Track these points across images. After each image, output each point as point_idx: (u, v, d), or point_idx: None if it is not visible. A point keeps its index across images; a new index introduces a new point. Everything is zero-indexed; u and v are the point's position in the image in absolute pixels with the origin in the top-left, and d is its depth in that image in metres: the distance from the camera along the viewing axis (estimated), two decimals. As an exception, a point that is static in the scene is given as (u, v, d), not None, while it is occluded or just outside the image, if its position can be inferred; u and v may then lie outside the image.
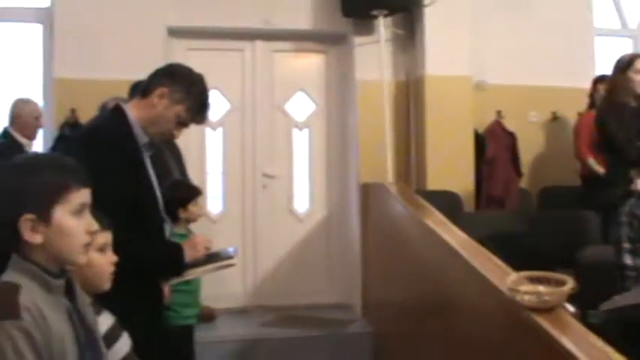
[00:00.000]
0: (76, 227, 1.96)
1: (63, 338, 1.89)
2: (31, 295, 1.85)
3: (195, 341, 4.50)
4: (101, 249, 2.40)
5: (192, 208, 4.31)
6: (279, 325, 6.17)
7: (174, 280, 3.10)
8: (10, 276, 1.91)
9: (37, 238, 1.90)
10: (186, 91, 3.00)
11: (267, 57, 6.92)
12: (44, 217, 1.90)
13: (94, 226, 2.02)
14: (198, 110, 3.07)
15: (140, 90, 3.10)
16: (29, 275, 1.91)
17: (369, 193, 6.33)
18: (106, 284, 2.43)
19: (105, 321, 2.37)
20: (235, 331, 5.99)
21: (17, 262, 1.93)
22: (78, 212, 1.96)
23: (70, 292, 2.04)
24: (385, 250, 5.76)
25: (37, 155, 2.02)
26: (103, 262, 2.41)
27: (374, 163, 6.41)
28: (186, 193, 4.32)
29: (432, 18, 6.42)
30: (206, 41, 6.70)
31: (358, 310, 6.52)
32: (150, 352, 2.56)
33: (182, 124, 3.08)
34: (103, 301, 2.43)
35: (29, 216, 1.88)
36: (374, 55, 6.39)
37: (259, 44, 6.88)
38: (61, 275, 1.99)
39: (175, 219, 4.17)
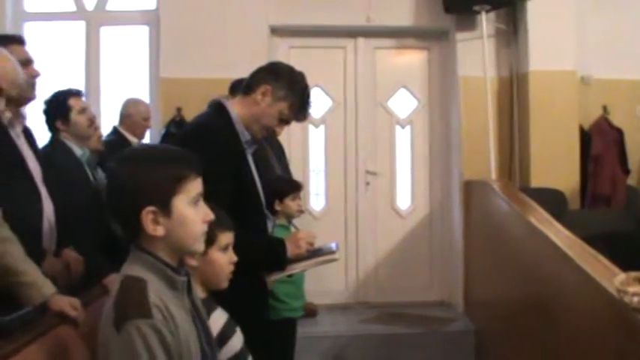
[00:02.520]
0: (195, 216, 1.99)
1: (187, 336, 1.92)
2: (158, 292, 1.88)
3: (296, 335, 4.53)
4: (224, 249, 2.47)
5: (288, 202, 4.33)
6: (380, 322, 6.17)
7: (277, 275, 3.13)
8: (134, 269, 1.95)
9: (159, 230, 1.93)
10: (289, 88, 3.05)
11: (369, 54, 6.92)
12: (165, 208, 1.93)
13: (210, 215, 2.05)
14: (300, 107, 3.11)
15: (242, 87, 3.15)
16: (153, 270, 1.94)
17: (471, 190, 6.27)
18: (224, 283, 2.50)
19: (220, 318, 2.41)
20: (336, 327, 6.02)
21: (138, 255, 1.97)
22: (195, 202, 1.99)
23: (188, 289, 2.07)
24: (488, 248, 5.69)
25: (151, 147, 2.07)
26: (224, 262, 2.48)
27: (477, 160, 6.35)
28: (283, 186, 4.35)
29: (536, 12, 6.29)
30: (308, 39, 6.75)
31: (460, 308, 6.46)
32: (255, 346, 2.59)
33: (284, 121, 3.13)
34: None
35: (151, 208, 1.91)
36: (476, 51, 6.33)
37: (361, 41, 6.89)
38: (182, 271, 2.02)
39: (272, 212, 4.21)
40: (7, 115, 3.21)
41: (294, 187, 4.43)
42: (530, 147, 6.32)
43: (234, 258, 2.52)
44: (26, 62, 3.28)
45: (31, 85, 3.30)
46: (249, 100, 3.07)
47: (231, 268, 2.51)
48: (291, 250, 3.01)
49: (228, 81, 4.63)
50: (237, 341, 2.44)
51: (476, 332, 5.87)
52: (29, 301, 2.74)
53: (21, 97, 3.26)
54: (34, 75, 3.30)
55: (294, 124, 3.28)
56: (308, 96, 3.14)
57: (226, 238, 2.50)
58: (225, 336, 2.39)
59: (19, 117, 3.34)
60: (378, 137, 6.93)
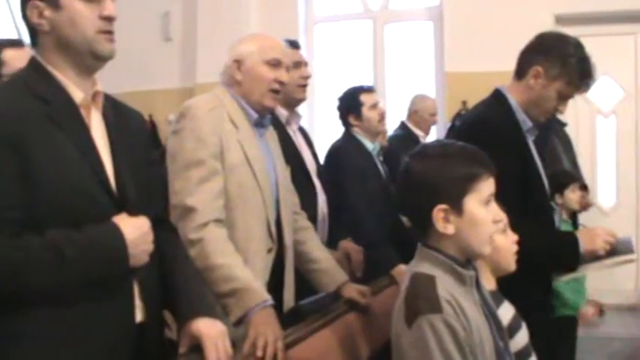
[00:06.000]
0: (486, 217, 1.98)
1: (479, 329, 1.92)
2: (447, 287, 1.91)
3: (578, 335, 4.37)
4: (504, 231, 2.41)
5: (569, 194, 4.20)
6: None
7: (567, 276, 2.98)
8: (424, 267, 1.98)
9: (449, 229, 1.94)
10: (562, 64, 2.81)
11: (664, 40, 6.51)
12: (457, 207, 1.93)
13: (501, 214, 2.05)
14: (579, 81, 2.85)
15: (515, 71, 2.98)
16: (442, 267, 1.96)
17: None
18: (512, 265, 2.43)
19: (508, 311, 2.40)
20: (627, 330, 5.76)
21: (427, 253, 2.00)
22: (487, 202, 1.98)
23: (477, 283, 2.06)
24: None
25: (446, 145, 2.09)
26: (508, 244, 2.42)
27: None
28: (561, 178, 4.21)
29: None
30: (595, 27, 6.44)
31: None
32: (536, 344, 2.54)
33: (565, 97, 2.90)
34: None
35: (443, 206, 1.93)
36: None
37: (653, 27, 6.50)
38: (470, 266, 2.03)
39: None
40: (284, 113, 3.46)
41: (572, 179, 4.29)
42: None
43: (515, 237, 2.45)
44: (298, 64, 3.46)
45: (302, 87, 3.47)
46: (523, 86, 2.90)
47: (515, 248, 2.44)
48: (585, 247, 2.76)
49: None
50: (522, 337, 2.40)
51: None
52: (323, 287, 2.91)
53: (291, 99, 3.46)
54: (306, 76, 3.47)
55: (583, 115, 3.12)
56: (586, 66, 2.84)
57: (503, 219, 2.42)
58: (512, 330, 2.34)
59: (295, 116, 3.59)
60: (672, 128, 6.50)
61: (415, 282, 1.96)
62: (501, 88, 3.00)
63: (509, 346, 2.15)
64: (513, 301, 2.45)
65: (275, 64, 2.76)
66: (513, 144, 2.83)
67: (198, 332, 1.98)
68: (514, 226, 2.44)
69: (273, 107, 2.84)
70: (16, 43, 3.18)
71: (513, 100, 2.92)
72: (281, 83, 2.77)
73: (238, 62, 2.76)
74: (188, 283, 2.14)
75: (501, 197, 2.16)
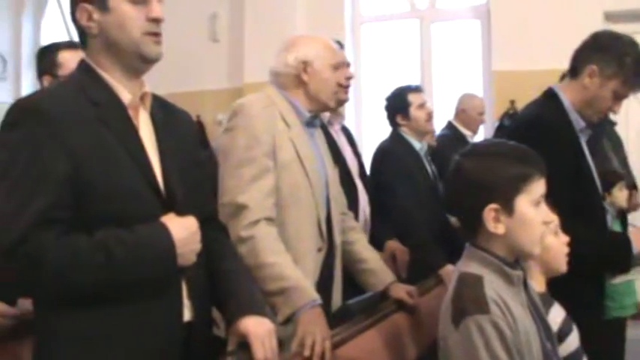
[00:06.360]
0: (536, 218, 1.96)
1: (527, 331, 1.90)
2: (495, 288, 1.90)
3: (627, 337, 4.26)
4: (555, 232, 2.40)
5: (617, 192, 4.13)
6: None
7: (619, 278, 2.92)
8: (471, 267, 1.97)
9: (499, 229, 1.93)
10: (618, 64, 2.75)
11: None
12: (508, 207, 1.92)
13: (551, 216, 2.05)
14: (635, 80, 2.79)
15: (569, 71, 2.93)
16: (490, 267, 1.95)
17: None
18: (563, 266, 2.42)
19: (559, 314, 2.37)
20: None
21: (475, 252, 2.00)
22: (537, 203, 1.96)
23: (524, 284, 2.05)
24: None
25: (498, 144, 2.10)
26: (558, 245, 2.40)
27: None
28: (607, 176, 4.13)
29: None
30: (645, 24, 6.35)
31: None
32: (587, 346, 2.49)
33: (620, 97, 2.84)
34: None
35: (494, 206, 1.91)
36: None
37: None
38: (517, 266, 2.01)
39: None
40: (326, 114, 3.46)
41: (619, 177, 4.22)
42: None
43: (566, 238, 2.42)
44: (342, 65, 3.46)
45: (345, 88, 3.46)
46: (578, 86, 2.84)
47: (566, 249, 2.42)
48: (637, 248, 2.70)
49: (561, 71, 4.52)
50: (573, 340, 2.37)
51: None
52: (370, 287, 2.90)
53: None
54: (349, 77, 3.47)
55: (633, 113, 3.06)
56: None
57: (555, 220, 2.41)
58: (563, 333, 2.32)
59: (338, 117, 3.66)
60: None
61: (463, 282, 1.95)
62: (554, 87, 2.96)
63: (556, 348, 2.13)
64: (564, 303, 2.42)
65: (338, 67, 2.82)
66: (567, 144, 2.78)
67: (246, 330, 1.98)
68: (565, 227, 2.42)
69: (335, 108, 2.95)
70: (72, 45, 3.21)
71: (566, 99, 2.87)
72: (341, 86, 2.86)
73: (305, 64, 2.76)
74: (237, 282, 2.14)
75: (554, 198, 2.14)
